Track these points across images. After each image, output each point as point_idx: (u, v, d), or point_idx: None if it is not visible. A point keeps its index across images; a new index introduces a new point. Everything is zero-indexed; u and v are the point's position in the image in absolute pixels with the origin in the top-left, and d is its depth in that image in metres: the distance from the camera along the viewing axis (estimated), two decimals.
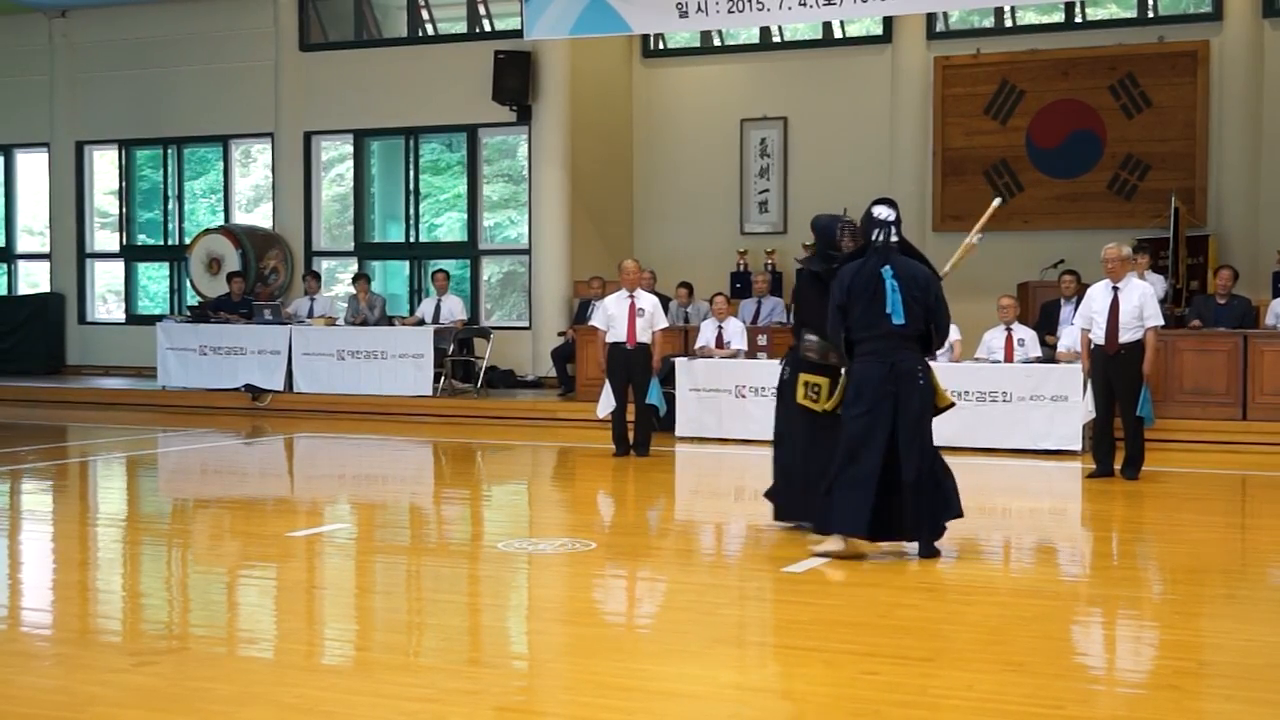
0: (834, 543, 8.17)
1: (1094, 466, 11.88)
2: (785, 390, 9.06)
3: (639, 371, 13.29)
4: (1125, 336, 11.50)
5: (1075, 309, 14.64)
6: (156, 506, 11.42)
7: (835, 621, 6.83)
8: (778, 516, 9.10)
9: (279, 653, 6.37)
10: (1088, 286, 14.22)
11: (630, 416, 13.50)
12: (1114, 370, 11.58)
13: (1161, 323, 11.77)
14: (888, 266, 8.19)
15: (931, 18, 19.50)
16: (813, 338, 8.87)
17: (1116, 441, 11.77)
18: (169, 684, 5.65)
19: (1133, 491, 11.20)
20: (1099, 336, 11.62)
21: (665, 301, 17.48)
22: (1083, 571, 8.61)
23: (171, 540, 9.48)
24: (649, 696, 5.50)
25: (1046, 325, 15.31)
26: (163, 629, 6.80)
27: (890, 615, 6.94)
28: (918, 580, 8.01)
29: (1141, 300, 11.51)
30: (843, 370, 8.51)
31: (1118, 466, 11.74)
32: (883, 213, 8.30)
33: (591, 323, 14.17)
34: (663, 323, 13.73)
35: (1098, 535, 9.99)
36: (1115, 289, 11.57)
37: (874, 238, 8.28)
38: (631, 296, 13.41)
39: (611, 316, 13.36)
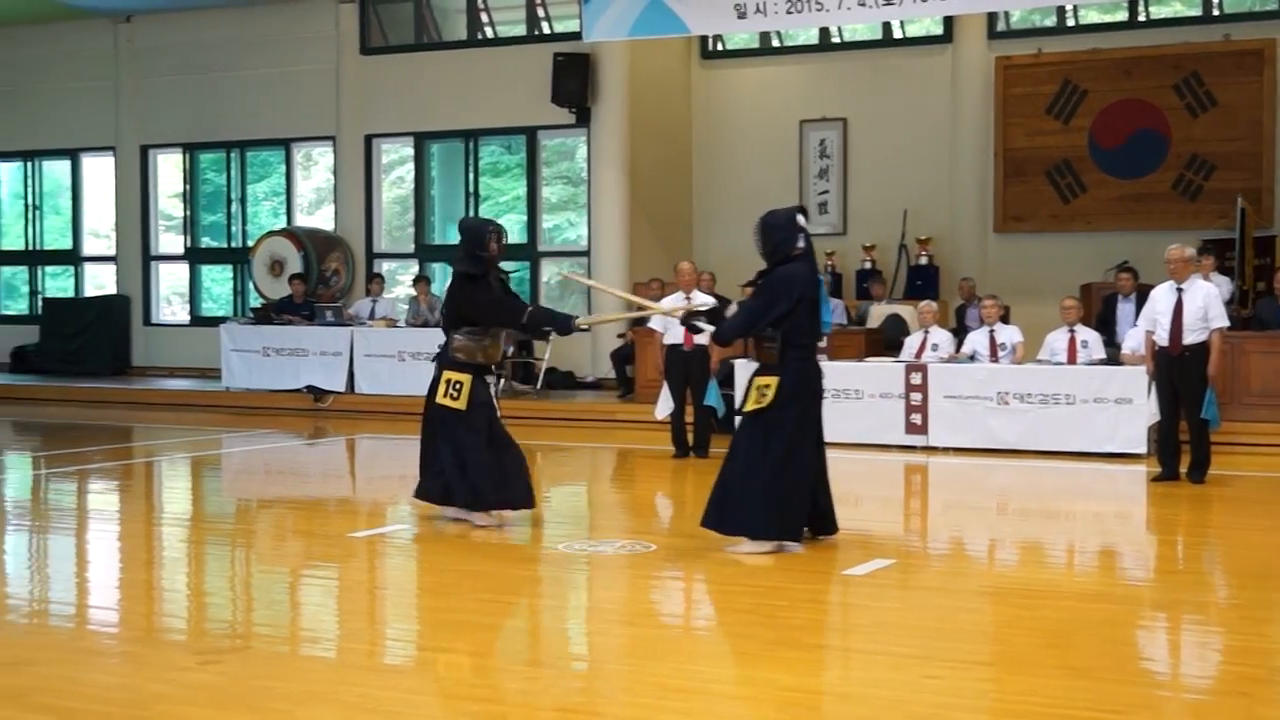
0: (762, 545, 8.37)
1: (1159, 470, 11.76)
2: (432, 388, 9.34)
3: (697, 373, 13.26)
4: (1189, 338, 11.37)
5: (1134, 306, 14.57)
6: (220, 506, 11.52)
7: (896, 625, 6.80)
8: (434, 502, 9.49)
9: (341, 652, 6.42)
10: (1145, 285, 14.13)
11: (689, 418, 13.48)
12: (1178, 372, 11.46)
13: (1226, 324, 11.63)
14: (818, 276, 8.63)
15: (992, 17, 19.36)
16: (461, 338, 9.21)
17: (1182, 444, 11.65)
18: (233, 682, 5.70)
19: (1198, 495, 11.08)
20: (1163, 338, 11.50)
21: (726, 303, 17.44)
22: (1147, 576, 8.53)
23: (235, 540, 9.56)
24: (708, 698, 5.50)
25: (1104, 323, 15.21)
26: (227, 628, 6.86)
27: (951, 619, 6.91)
28: (979, 584, 7.97)
29: (1206, 301, 11.39)
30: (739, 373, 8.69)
31: (1183, 470, 11.62)
32: (804, 221, 8.60)
33: (650, 325, 14.16)
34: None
35: (1162, 539, 9.89)
36: (1179, 290, 11.45)
37: (801, 245, 8.52)
38: (688, 298, 13.38)
39: (668, 319, 13.33)
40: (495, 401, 9.42)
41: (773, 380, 8.39)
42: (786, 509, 8.33)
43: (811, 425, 8.47)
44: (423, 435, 9.53)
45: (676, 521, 10.60)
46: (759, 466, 8.33)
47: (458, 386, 9.17)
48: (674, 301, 13.47)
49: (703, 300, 13.47)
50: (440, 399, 9.23)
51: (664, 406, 13.75)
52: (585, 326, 9.44)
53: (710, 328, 9.05)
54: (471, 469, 9.20)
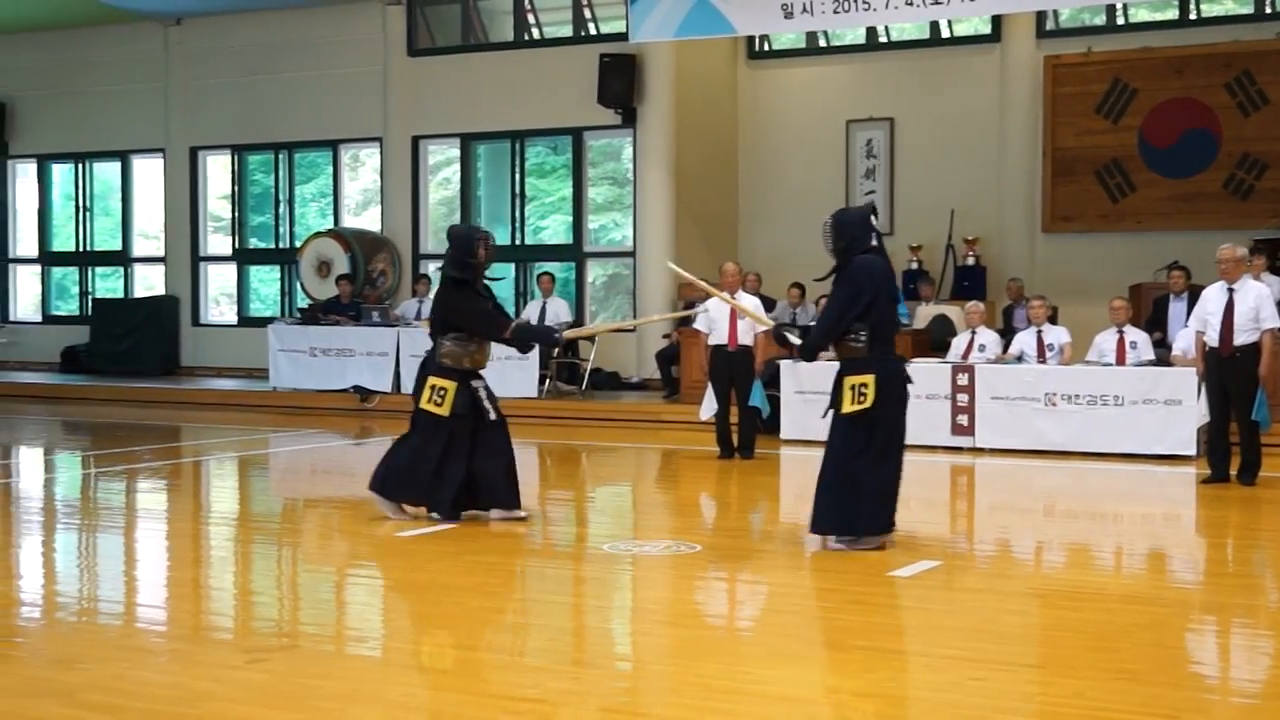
0: (881, 538, 8.52)
1: (1209, 472, 11.65)
2: (417, 392, 9.51)
3: (741, 374, 13.23)
4: (1240, 339, 11.28)
5: (1186, 306, 14.45)
6: (267, 506, 11.59)
7: (942, 627, 6.77)
8: (381, 492, 9.56)
9: (387, 652, 6.44)
10: (1197, 285, 14.00)
11: (734, 419, 13.46)
12: (1229, 373, 11.36)
13: (1278, 324, 11.51)
14: (891, 270, 8.74)
15: (1041, 16, 19.24)
16: (449, 343, 9.38)
17: (1233, 446, 11.54)
18: (280, 681, 5.73)
19: (1248, 498, 10.98)
20: (1213, 339, 11.41)
21: (771, 304, 17.43)
22: (1196, 578, 8.45)
23: (282, 539, 9.62)
24: (753, 700, 5.48)
25: (1155, 323, 15.11)
26: (274, 627, 6.90)
27: (997, 621, 6.87)
28: (1026, 586, 7.92)
29: (1257, 302, 11.29)
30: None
31: (1233, 472, 11.51)
32: (876, 221, 8.68)
33: (694, 325, 14.16)
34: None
35: (1211, 542, 9.80)
36: (1230, 290, 11.35)
37: (874, 243, 8.57)
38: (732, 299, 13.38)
39: (713, 319, 13.35)
40: (487, 404, 9.47)
41: (868, 378, 8.38)
42: (882, 504, 8.45)
43: (901, 423, 8.57)
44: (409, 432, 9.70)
45: (721, 522, 10.59)
46: (857, 464, 8.40)
47: (441, 393, 9.31)
48: (718, 304, 13.46)
49: (748, 302, 13.48)
50: (424, 404, 9.37)
51: (708, 407, 13.74)
52: (569, 339, 9.70)
53: (799, 341, 8.99)
54: (404, 458, 9.43)
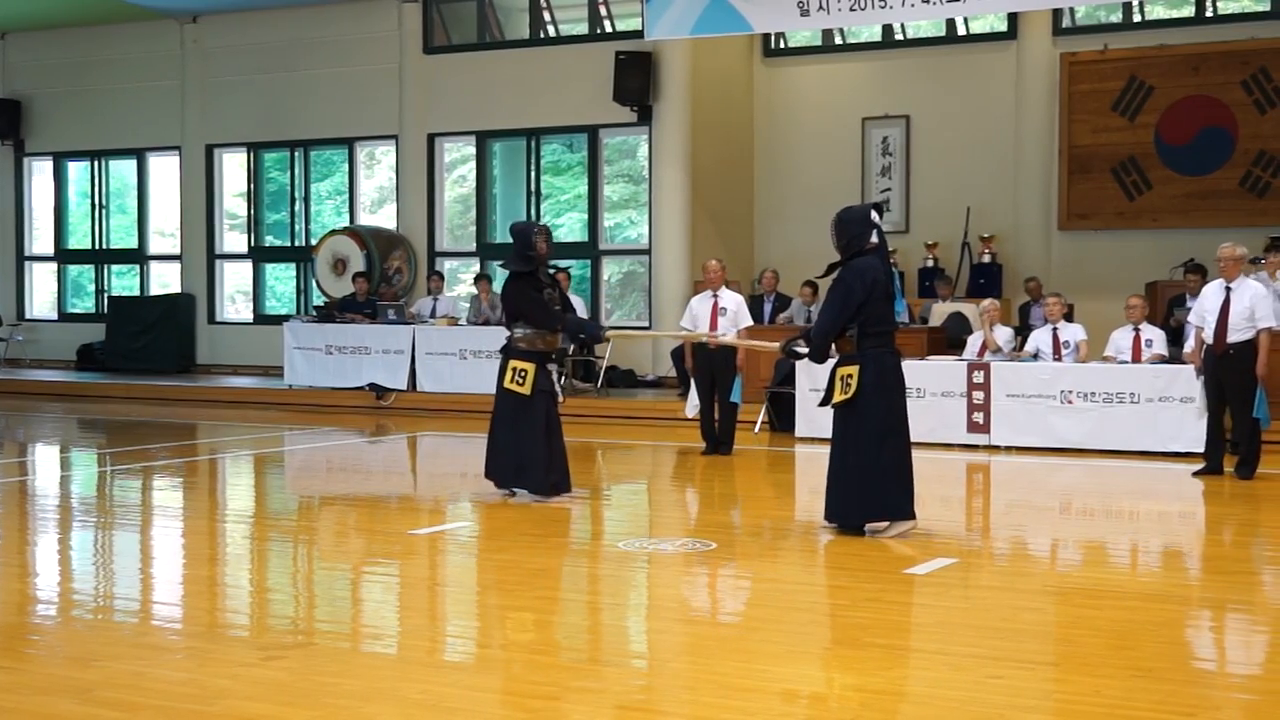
0: (904, 525, 8.85)
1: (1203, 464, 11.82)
2: (500, 375, 10.32)
3: (722, 370, 13.25)
4: (1234, 337, 11.45)
5: None
6: (283, 503, 11.61)
7: (959, 624, 6.76)
8: (497, 485, 10.47)
9: (403, 649, 6.45)
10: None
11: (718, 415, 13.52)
12: (1224, 371, 11.54)
13: (1273, 324, 11.56)
14: (890, 268, 9.00)
15: (1057, 13, 19.19)
16: (523, 329, 10.19)
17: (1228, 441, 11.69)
18: (296, 678, 5.73)
19: (1265, 495, 10.95)
20: (1209, 336, 11.55)
21: (787, 302, 17.41)
22: (1213, 576, 8.42)
23: (297, 537, 9.63)
24: (769, 697, 5.48)
25: (1168, 325, 15.12)
26: (289, 624, 6.91)
27: (1015, 619, 6.85)
28: (1042, 584, 7.91)
29: (1253, 301, 11.44)
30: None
31: (1230, 469, 11.66)
32: (878, 218, 8.92)
33: (680, 324, 14.32)
34: (747, 321, 13.78)
35: (1229, 539, 9.77)
36: (1228, 289, 11.47)
37: (874, 240, 8.83)
38: (715, 296, 13.52)
39: (696, 316, 13.65)
40: (557, 389, 10.34)
41: (853, 369, 8.75)
42: (892, 489, 8.73)
43: (900, 414, 8.84)
44: (492, 419, 10.39)
45: (737, 519, 10.58)
46: (858, 454, 8.72)
47: (523, 374, 10.12)
48: (701, 301, 13.57)
49: (730, 299, 13.56)
50: (507, 384, 10.18)
51: (693, 404, 13.89)
52: (612, 337, 10.65)
53: (808, 349, 9.26)
54: (529, 454, 10.15)
